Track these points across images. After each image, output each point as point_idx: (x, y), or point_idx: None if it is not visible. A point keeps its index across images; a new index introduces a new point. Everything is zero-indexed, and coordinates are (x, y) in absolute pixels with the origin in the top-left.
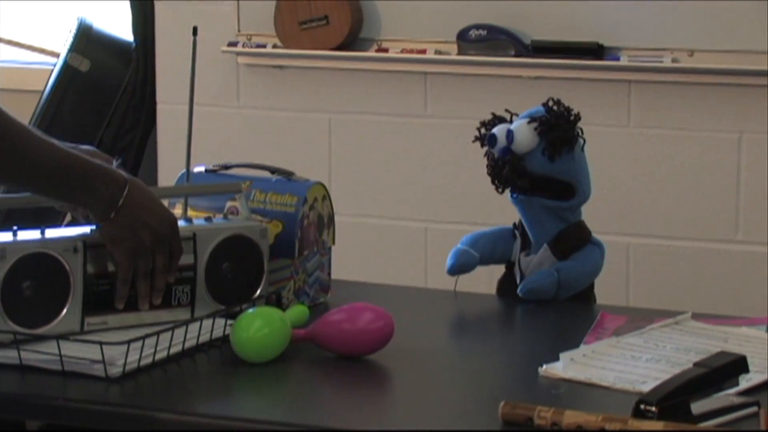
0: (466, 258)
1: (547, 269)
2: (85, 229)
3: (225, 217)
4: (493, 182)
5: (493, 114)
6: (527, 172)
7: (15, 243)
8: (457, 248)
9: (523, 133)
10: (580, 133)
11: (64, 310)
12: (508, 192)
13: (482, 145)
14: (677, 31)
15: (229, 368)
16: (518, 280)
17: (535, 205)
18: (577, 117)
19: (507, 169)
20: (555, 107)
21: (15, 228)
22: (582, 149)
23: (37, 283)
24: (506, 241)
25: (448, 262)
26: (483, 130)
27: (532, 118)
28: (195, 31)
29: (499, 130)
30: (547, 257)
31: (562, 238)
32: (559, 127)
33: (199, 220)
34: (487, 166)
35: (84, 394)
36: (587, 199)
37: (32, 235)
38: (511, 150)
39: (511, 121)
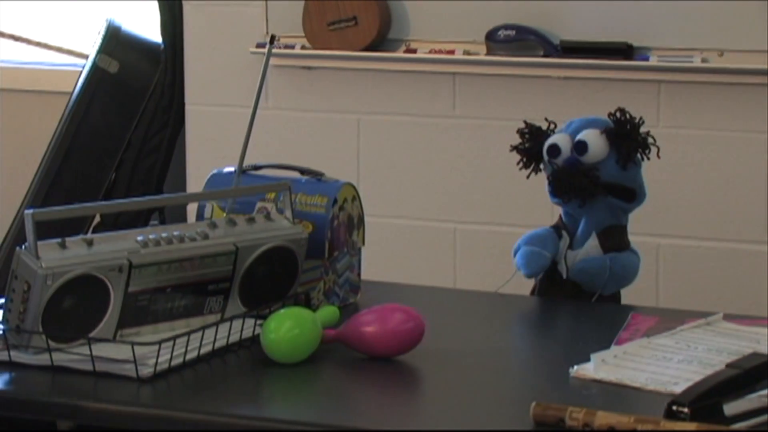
0: (545, 260)
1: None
2: (131, 244)
3: (268, 217)
4: (558, 193)
5: (526, 122)
6: (600, 181)
7: (62, 264)
8: (529, 250)
9: (596, 143)
10: (653, 141)
11: (100, 325)
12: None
13: (527, 158)
14: (707, 31)
15: (259, 369)
16: (564, 276)
17: (599, 201)
18: (642, 123)
19: (584, 180)
20: (621, 116)
21: (62, 239)
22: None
23: (78, 300)
24: (557, 241)
25: (527, 266)
26: (527, 144)
27: (603, 129)
28: (272, 39)
29: (560, 141)
30: (594, 247)
31: (612, 232)
32: (631, 136)
33: (241, 220)
34: (548, 176)
35: (115, 394)
36: (641, 204)
37: (79, 248)
38: (579, 160)
39: (548, 130)
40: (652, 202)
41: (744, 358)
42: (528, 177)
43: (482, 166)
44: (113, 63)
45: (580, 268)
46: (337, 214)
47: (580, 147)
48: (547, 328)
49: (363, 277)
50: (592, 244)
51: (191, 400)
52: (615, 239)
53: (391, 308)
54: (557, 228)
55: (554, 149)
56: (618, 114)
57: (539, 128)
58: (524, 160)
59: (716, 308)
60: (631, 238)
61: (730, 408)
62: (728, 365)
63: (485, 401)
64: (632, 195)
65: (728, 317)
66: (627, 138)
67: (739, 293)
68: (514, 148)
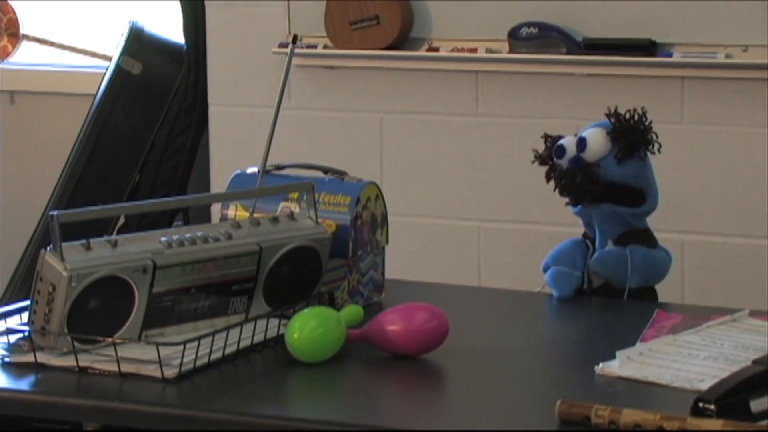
0: (575, 281)
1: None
2: (156, 245)
3: (291, 217)
4: (562, 193)
5: (547, 134)
6: (600, 179)
7: (87, 266)
8: (558, 271)
9: (595, 139)
10: (655, 137)
11: (125, 326)
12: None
13: (543, 163)
14: (730, 26)
15: (283, 368)
16: (585, 285)
17: (604, 211)
18: (650, 121)
19: (580, 177)
20: (626, 113)
21: (86, 240)
22: (647, 156)
23: (103, 301)
24: (586, 253)
25: (558, 288)
26: (545, 153)
27: (605, 127)
28: (295, 39)
29: (567, 141)
30: None
31: (627, 236)
32: (633, 131)
33: (264, 220)
34: (555, 179)
35: (140, 395)
36: (655, 208)
37: (104, 249)
38: (581, 158)
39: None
40: (677, 199)
41: None
42: (554, 190)
43: (506, 164)
44: (136, 64)
45: (598, 258)
46: (360, 213)
47: (581, 144)
48: (571, 325)
49: (387, 276)
50: None
51: (216, 400)
52: (632, 242)
53: (415, 307)
54: (586, 237)
55: (560, 150)
56: (615, 111)
57: (556, 137)
58: (547, 172)
59: (742, 305)
60: (655, 234)
61: (757, 405)
62: (754, 362)
63: (510, 399)
64: (640, 196)
65: (754, 314)
66: (626, 133)
67: (764, 290)
68: (536, 159)
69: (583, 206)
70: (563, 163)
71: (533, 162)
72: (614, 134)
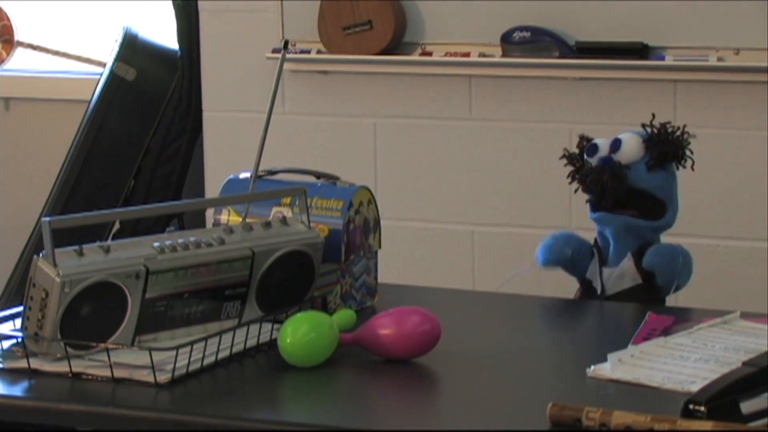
0: (563, 257)
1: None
2: (148, 250)
3: (284, 221)
4: (586, 191)
5: (582, 135)
6: (626, 182)
7: (79, 272)
8: (550, 241)
9: (630, 143)
10: (690, 154)
11: (118, 331)
12: (588, 211)
13: (571, 162)
14: (722, 29)
15: (276, 373)
16: (599, 293)
17: (621, 223)
18: (688, 135)
19: (607, 175)
20: (665, 124)
21: (79, 246)
22: (675, 172)
23: (96, 307)
24: (587, 255)
25: (543, 253)
26: (575, 153)
27: (639, 134)
28: (286, 45)
29: (601, 141)
30: (630, 267)
31: (645, 249)
32: (668, 142)
33: (257, 225)
34: (580, 177)
35: (133, 400)
36: (671, 225)
37: (96, 255)
38: (612, 159)
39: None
40: None
41: (761, 356)
42: (575, 191)
43: (499, 167)
44: (130, 70)
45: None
46: (353, 217)
47: (615, 144)
48: (563, 328)
49: (381, 280)
50: (629, 264)
51: (209, 405)
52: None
53: (407, 311)
54: (596, 244)
55: (593, 148)
56: (655, 122)
57: (589, 138)
58: (572, 172)
59: (735, 307)
60: None
61: (747, 406)
62: (745, 363)
63: (502, 402)
64: (661, 209)
65: (745, 315)
66: (661, 143)
67: (757, 292)
68: (565, 156)
69: (603, 213)
70: (593, 161)
71: (560, 158)
72: (649, 142)
